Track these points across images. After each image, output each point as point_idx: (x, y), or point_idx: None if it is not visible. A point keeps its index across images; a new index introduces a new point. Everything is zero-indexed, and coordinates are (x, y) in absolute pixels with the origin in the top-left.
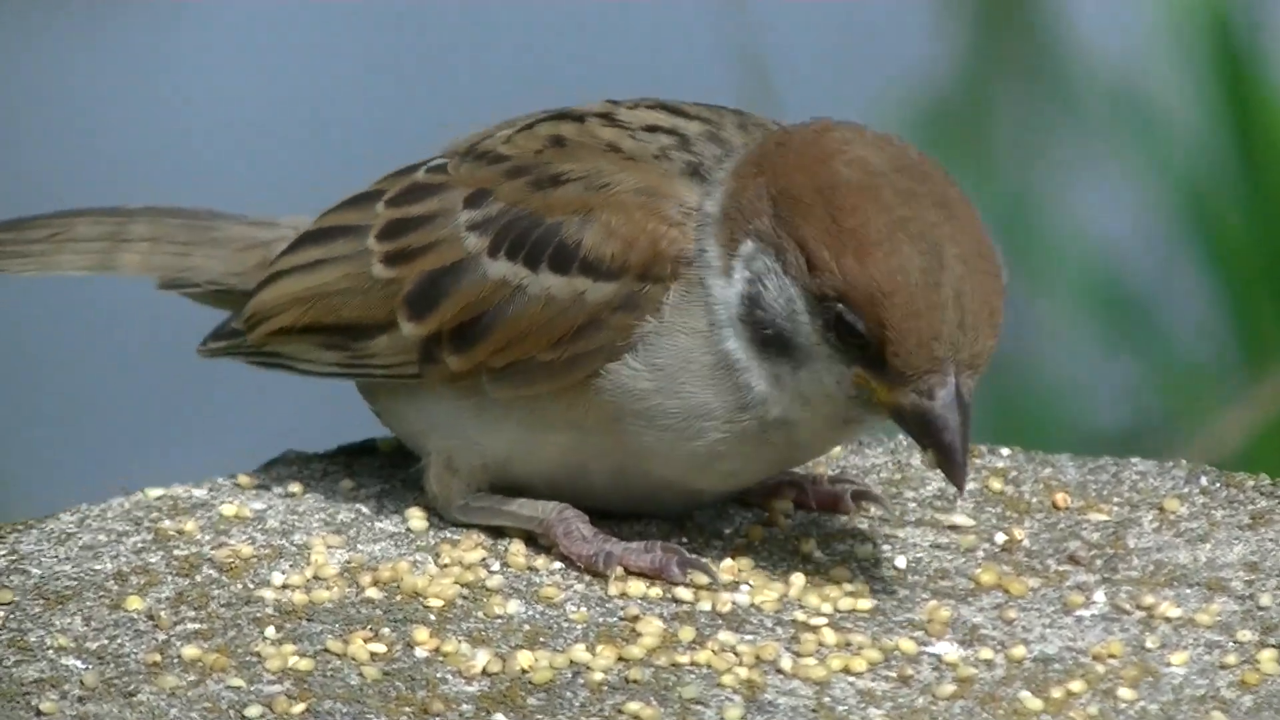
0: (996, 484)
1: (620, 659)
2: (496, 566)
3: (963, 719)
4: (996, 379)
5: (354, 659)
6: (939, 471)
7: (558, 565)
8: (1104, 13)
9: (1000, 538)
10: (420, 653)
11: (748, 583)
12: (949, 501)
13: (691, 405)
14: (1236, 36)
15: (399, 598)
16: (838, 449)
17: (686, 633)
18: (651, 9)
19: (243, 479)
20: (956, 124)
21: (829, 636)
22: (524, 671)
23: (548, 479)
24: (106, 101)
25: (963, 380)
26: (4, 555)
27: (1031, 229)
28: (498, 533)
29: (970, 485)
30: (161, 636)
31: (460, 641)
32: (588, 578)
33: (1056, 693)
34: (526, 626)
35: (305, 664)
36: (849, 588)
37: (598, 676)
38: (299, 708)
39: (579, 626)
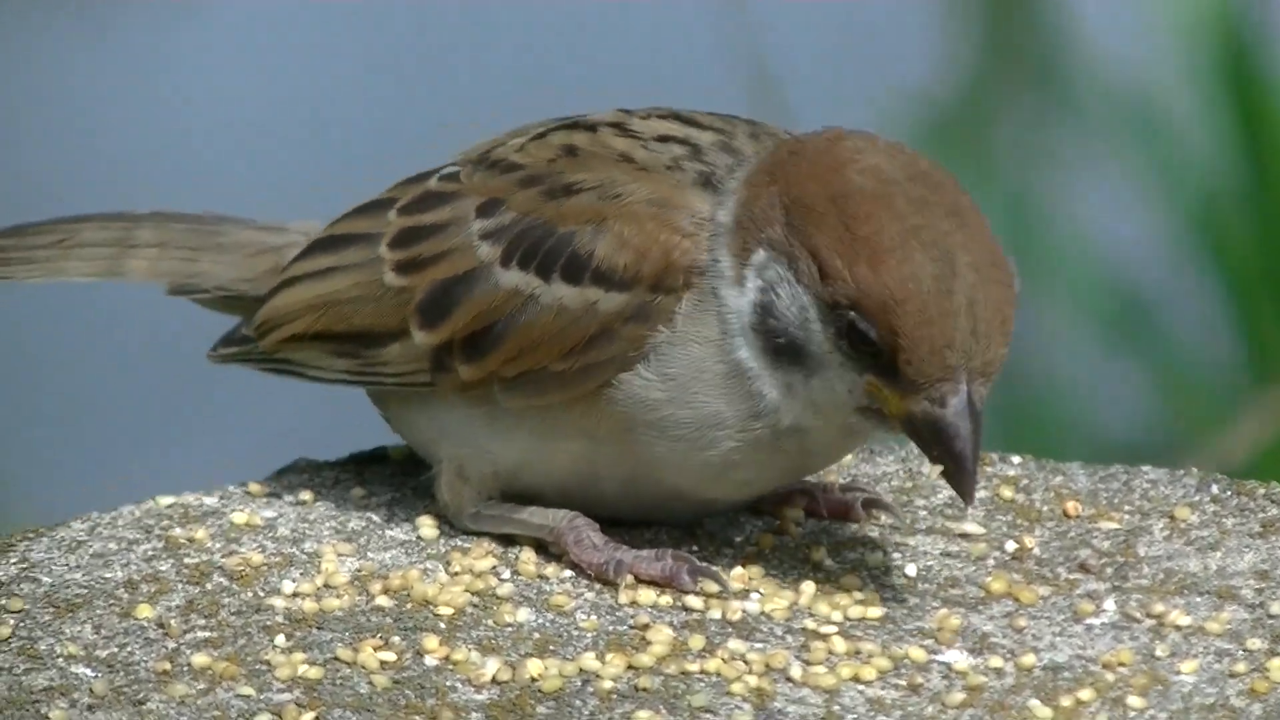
0: (1007, 492)
1: (630, 667)
2: (507, 574)
3: None
4: (1007, 388)
5: (364, 667)
6: (949, 480)
7: (568, 573)
8: (1109, 17)
9: (1011, 546)
10: (430, 661)
11: (758, 591)
12: (960, 509)
13: (704, 415)
14: (1243, 41)
15: (409, 606)
16: (849, 457)
17: (696, 641)
18: (653, 9)
19: (254, 487)
20: (961, 128)
21: (839, 644)
22: (534, 680)
23: (559, 487)
24: (108, 102)
25: (975, 388)
26: (15, 563)
27: (1038, 236)
28: (508, 541)
29: (981, 493)
30: (171, 645)
31: (470, 650)
32: (598, 586)
33: (1066, 701)
34: (536, 635)
35: (315, 672)
36: (859, 596)
37: (607, 685)
38: (308, 716)
39: (589, 635)
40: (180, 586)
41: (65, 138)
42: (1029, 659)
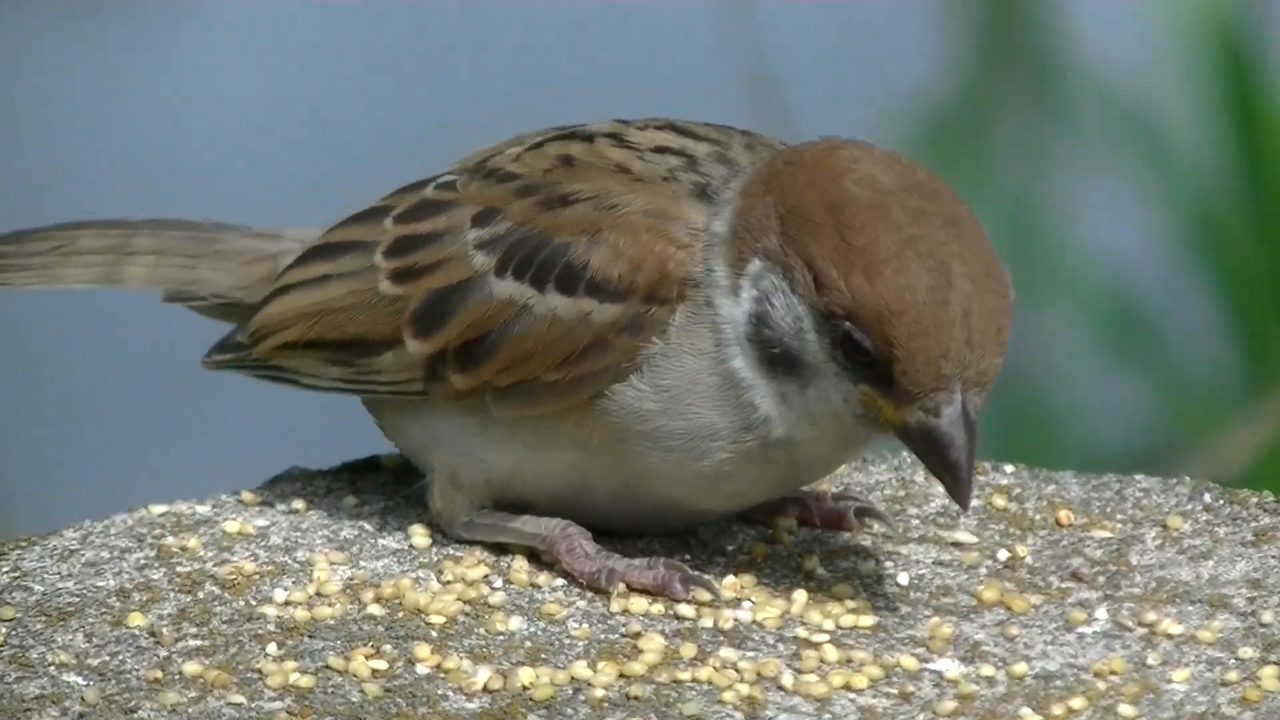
0: (1000, 501)
1: (622, 675)
2: (499, 583)
3: None
4: (1001, 396)
5: (355, 676)
6: (945, 489)
7: (560, 582)
8: (1109, 24)
9: (1003, 554)
10: (422, 669)
11: (750, 599)
12: (952, 518)
13: (697, 426)
14: (1241, 46)
15: (401, 614)
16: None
17: (688, 649)
18: (653, 11)
19: (246, 495)
20: (959, 132)
21: (830, 653)
22: (525, 688)
23: (552, 496)
24: (108, 103)
25: (969, 398)
26: (6, 572)
27: (1036, 240)
28: (500, 549)
29: (974, 502)
30: (163, 653)
31: (462, 658)
32: (590, 594)
33: (1058, 709)
34: (528, 643)
35: (306, 681)
36: (851, 604)
37: (599, 693)
38: None
39: (581, 643)
40: (172, 595)
41: (65, 140)
42: (1021, 667)
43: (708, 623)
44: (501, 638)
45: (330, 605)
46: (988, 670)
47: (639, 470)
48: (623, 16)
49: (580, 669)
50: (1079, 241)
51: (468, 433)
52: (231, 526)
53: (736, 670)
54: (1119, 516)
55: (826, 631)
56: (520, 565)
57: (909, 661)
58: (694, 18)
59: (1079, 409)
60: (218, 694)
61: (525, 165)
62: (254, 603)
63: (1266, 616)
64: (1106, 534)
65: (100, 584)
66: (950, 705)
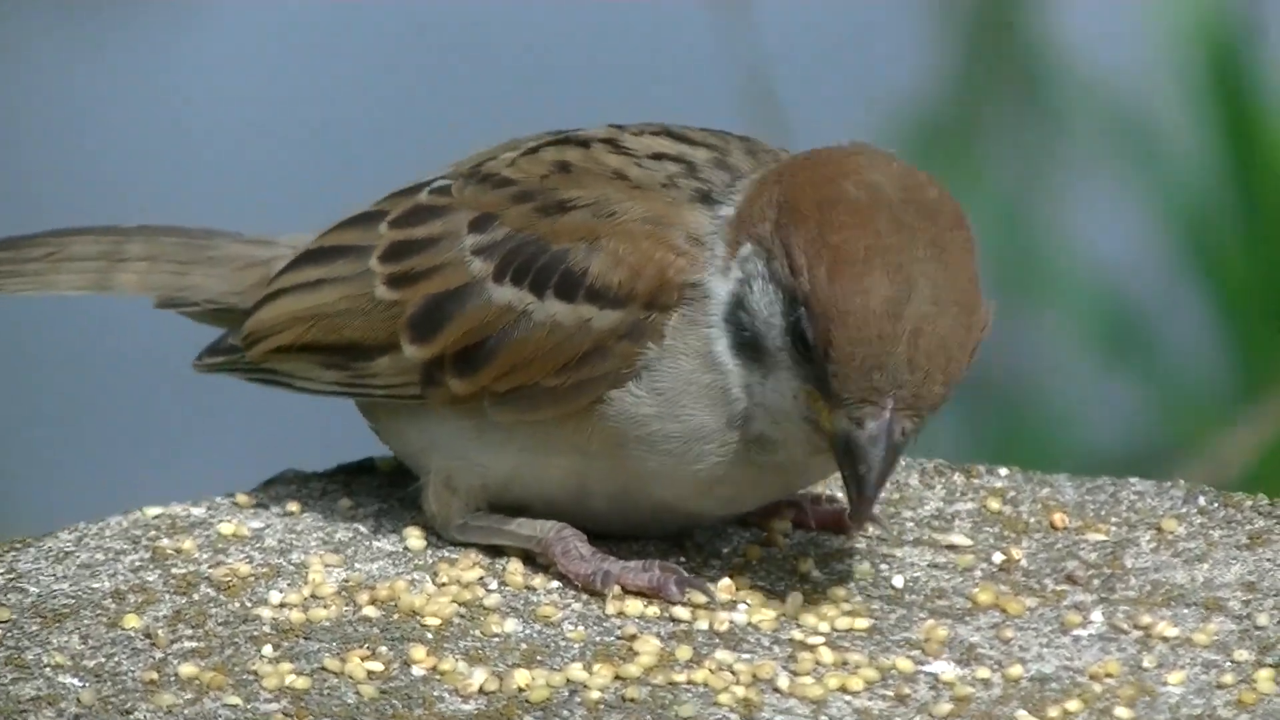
0: (994, 504)
1: (617, 677)
2: (494, 585)
3: None
4: (995, 399)
5: (351, 677)
6: (848, 500)
7: (555, 584)
8: (1101, 30)
9: (998, 557)
10: (417, 671)
11: (745, 602)
12: (947, 521)
13: (691, 428)
14: (1234, 56)
15: (396, 616)
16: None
17: (684, 651)
18: (652, 14)
19: (241, 498)
20: (952, 141)
21: (826, 655)
22: (521, 690)
23: (548, 500)
24: (108, 105)
25: (899, 418)
26: (1, 573)
27: (1029, 247)
28: (495, 552)
29: (968, 505)
30: (159, 655)
31: (457, 660)
32: (585, 596)
33: (1053, 712)
34: (524, 645)
35: (302, 682)
36: (846, 607)
37: (594, 695)
38: None
39: (576, 645)
40: (167, 597)
41: (65, 140)
42: (1016, 670)
43: (703, 625)
44: (497, 640)
45: (325, 607)
46: (983, 673)
47: (637, 474)
48: (618, 19)
49: (576, 671)
50: (1072, 246)
51: (464, 436)
52: (226, 528)
53: (732, 672)
54: (1114, 519)
55: (822, 634)
56: (515, 567)
57: (904, 664)
58: (689, 22)
59: (1073, 413)
60: (213, 695)
61: (521, 170)
62: (249, 604)
63: (1261, 619)
64: (1101, 537)
65: (95, 585)
66: (946, 708)
